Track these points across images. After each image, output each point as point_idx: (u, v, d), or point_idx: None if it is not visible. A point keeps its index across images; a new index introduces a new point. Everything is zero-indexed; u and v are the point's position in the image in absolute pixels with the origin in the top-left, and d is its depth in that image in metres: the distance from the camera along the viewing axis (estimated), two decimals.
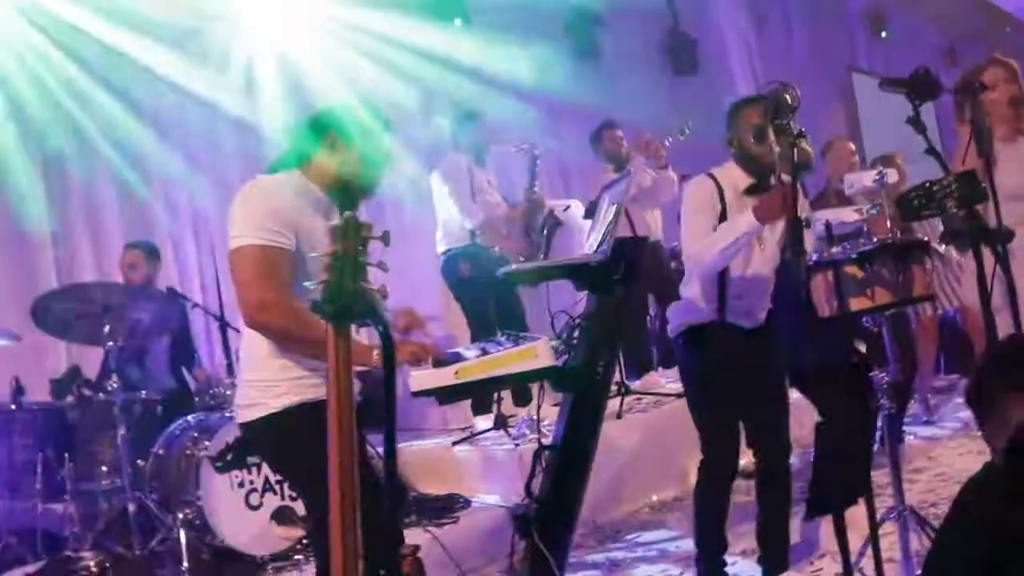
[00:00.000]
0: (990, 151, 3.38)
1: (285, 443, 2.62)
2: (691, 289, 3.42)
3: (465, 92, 7.39)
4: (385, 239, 2.11)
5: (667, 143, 5.90)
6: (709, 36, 9.79)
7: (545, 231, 5.83)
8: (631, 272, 2.96)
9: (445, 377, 2.54)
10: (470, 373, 2.56)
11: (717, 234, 3.14)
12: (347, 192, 2.68)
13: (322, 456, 2.57)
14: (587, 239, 3.36)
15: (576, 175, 8.19)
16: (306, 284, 2.02)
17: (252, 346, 2.60)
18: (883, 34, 11.74)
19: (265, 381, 2.56)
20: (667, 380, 6.04)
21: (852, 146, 5.16)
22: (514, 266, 3.07)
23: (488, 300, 5.52)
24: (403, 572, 2.11)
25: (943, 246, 4.70)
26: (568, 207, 6.21)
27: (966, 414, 6.17)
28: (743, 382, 3.32)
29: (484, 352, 2.69)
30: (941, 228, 4.61)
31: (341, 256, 2.00)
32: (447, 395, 2.61)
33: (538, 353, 2.60)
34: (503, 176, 6.30)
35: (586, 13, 8.55)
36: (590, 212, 6.07)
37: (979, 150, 3.34)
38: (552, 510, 2.91)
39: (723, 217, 3.24)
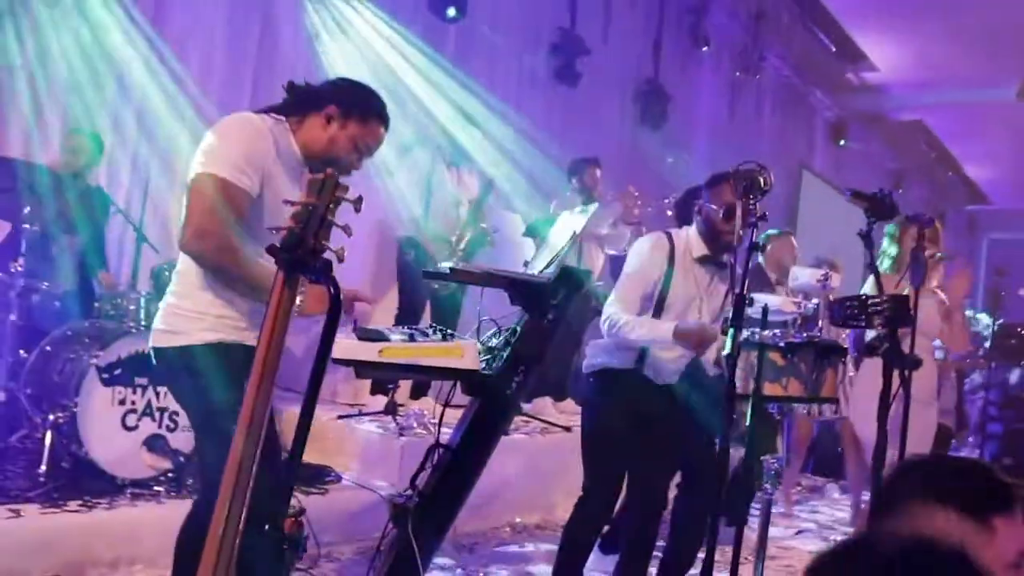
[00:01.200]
0: (922, 283, 3.57)
1: (196, 378, 2.59)
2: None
3: (444, 87, 7.46)
4: (357, 204, 2.13)
5: (649, 209, 6.00)
6: (684, 96, 10.01)
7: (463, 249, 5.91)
8: (567, 300, 3.01)
9: (369, 352, 2.56)
10: (394, 354, 2.57)
11: (640, 324, 3.29)
12: (322, 165, 2.67)
13: (228, 400, 2.57)
14: (532, 256, 3.44)
15: (523, 192, 8.26)
16: (269, 228, 2.01)
17: (188, 274, 2.58)
18: (841, 143, 12.18)
19: (192, 312, 2.54)
20: (560, 412, 6.14)
21: (795, 243, 5.36)
22: (462, 265, 3.08)
23: (421, 292, 5.55)
24: (285, 531, 2.11)
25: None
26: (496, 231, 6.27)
27: (823, 516, 6.45)
28: (640, 430, 3.40)
29: (411, 338, 2.71)
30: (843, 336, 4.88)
31: (311, 209, 2.01)
32: (365, 370, 2.62)
33: (464, 353, 2.63)
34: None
35: (574, 38, 8.66)
36: (529, 231, 6.18)
37: (913, 279, 3.52)
38: (432, 508, 2.93)
39: (666, 279, 3.36)
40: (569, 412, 6.32)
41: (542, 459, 5.41)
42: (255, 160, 2.48)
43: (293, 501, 2.62)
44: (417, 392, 5.63)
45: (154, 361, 2.67)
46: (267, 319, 2.06)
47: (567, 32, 8.64)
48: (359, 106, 2.67)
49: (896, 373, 3.17)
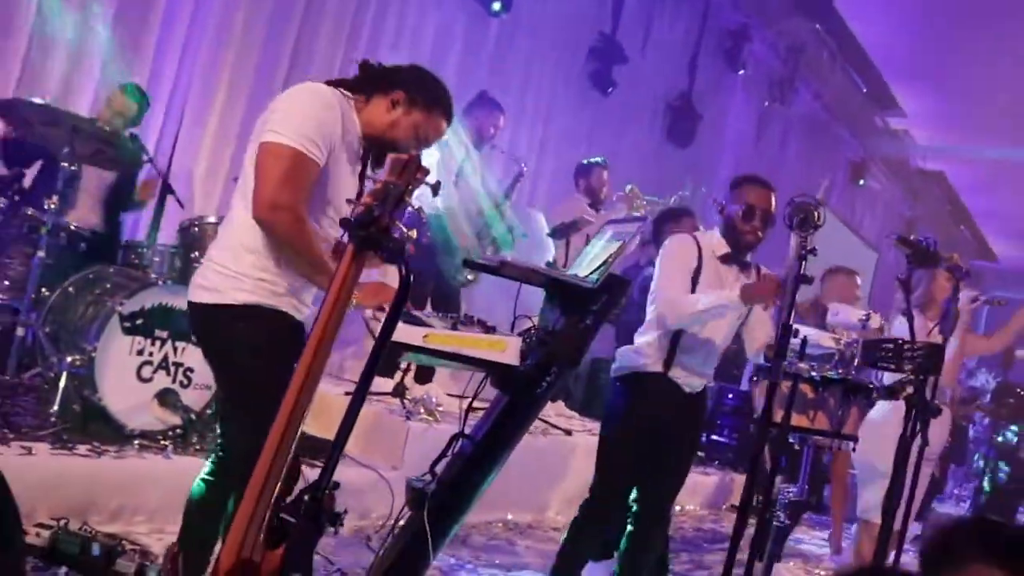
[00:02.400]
0: (949, 334, 3.60)
1: (227, 338, 2.60)
2: (644, 336, 3.55)
3: (478, 76, 7.48)
4: (436, 188, 2.15)
5: (657, 203, 6.02)
6: (714, 117, 10.04)
7: (494, 243, 5.92)
8: (607, 307, 3.03)
9: (414, 336, 2.56)
10: (438, 341, 2.58)
11: (699, 296, 3.29)
12: (379, 149, 2.68)
13: (256, 365, 2.59)
14: (574, 259, 3.46)
15: (546, 191, 8.29)
16: (348, 200, 2.02)
17: (235, 233, 2.58)
18: (860, 183, 12.24)
19: (233, 271, 2.54)
20: (557, 414, 6.16)
21: (859, 282, 5.35)
22: (509, 258, 3.10)
23: (427, 276, 5.57)
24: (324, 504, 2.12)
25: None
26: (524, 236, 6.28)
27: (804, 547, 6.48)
28: (663, 440, 3.44)
29: (454, 327, 2.72)
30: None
31: (391, 188, 2.02)
32: (407, 353, 2.63)
33: (507, 348, 2.64)
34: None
35: (614, 45, 8.67)
36: (558, 232, 6.20)
37: (942, 327, 3.55)
38: (449, 495, 2.94)
39: (695, 277, 3.40)
40: (566, 415, 6.35)
41: (540, 460, 5.43)
42: (325, 131, 2.49)
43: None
44: (422, 377, 5.61)
45: (190, 314, 2.67)
46: (330, 293, 2.08)
47: (607, 37, 8.66)
48: (426, 96, 2.68)
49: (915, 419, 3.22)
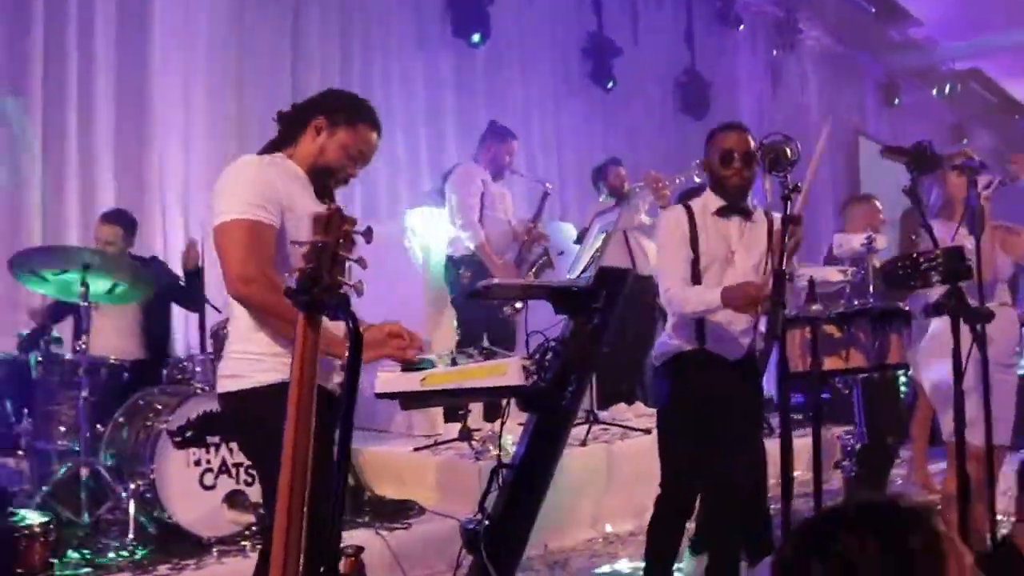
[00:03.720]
0: (981, 232, 3.39)
1: (260, 420, 2.58)
2: (671, 319, 3.45)
3: (475, 107, 7.50)
4: (367, 235, 2.10)
5: (678, 181, 5.88)
6: (723, 81, 9.86)
7: (535, 268, 5.86)
8: (611, 301, 2.94)
9: (411, 382, 2.53)
10: (436, 381, 2.54)
11: (691, 295, 3.23)
12: (320, 180, 2.68)
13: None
14: (571, 264, 3.38)
15: (572, 199, 8.22)
16: (285, 274, 2.00)
17: (241, 318, 2.59)
18: (896, 102, 11.83)
19: (251, 354, 2.55)
20: (637, 415, 6.03)
21: (879, 205, 5.07)
22: (496, 281, 3.05)
23: (481, 312, 5.54)
24: (342, 571, 2.08)
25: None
26: (561, 253, 6.22)
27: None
28: (716, 414, 3.29)
29: (454, 363, 2.68)
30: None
31: (321, 247, 1.99)
32: (410, 400, 2.60)
33: (507, 371, 2.58)
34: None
35: (605, 41, 8.61)
36: (579, 239, 6.11)
37: (970, 229, 3.35)
38: (502, 529, 2.88)
39: (693, 243, 3.30)
40: (645, 415, 6.21)
41: (624, 464, 5.31)
42: (266, 193, 2.49)
43: (358, 540, 2.61)
44: (491, 414, 5.58)
45: (220, 408, 2.68)
46: (294, 363, 2.05)
47: (596, 35, 8.60)
48: (345, 112, 2.67)
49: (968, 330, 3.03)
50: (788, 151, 2.65)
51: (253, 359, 2.54)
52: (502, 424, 2.97)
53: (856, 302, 2.81)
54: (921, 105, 12.51)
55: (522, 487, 2.92)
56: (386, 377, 2.50)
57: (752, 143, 3.25)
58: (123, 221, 5.10)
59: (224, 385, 2.61)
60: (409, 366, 2.61)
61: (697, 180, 6.07)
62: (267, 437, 2.58)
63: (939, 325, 3.57)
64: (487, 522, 2.92)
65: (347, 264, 2.04)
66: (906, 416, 5.55)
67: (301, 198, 2.56)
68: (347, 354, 2.31)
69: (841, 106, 11.33)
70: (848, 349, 2.79)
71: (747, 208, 3.35)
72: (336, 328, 2.33)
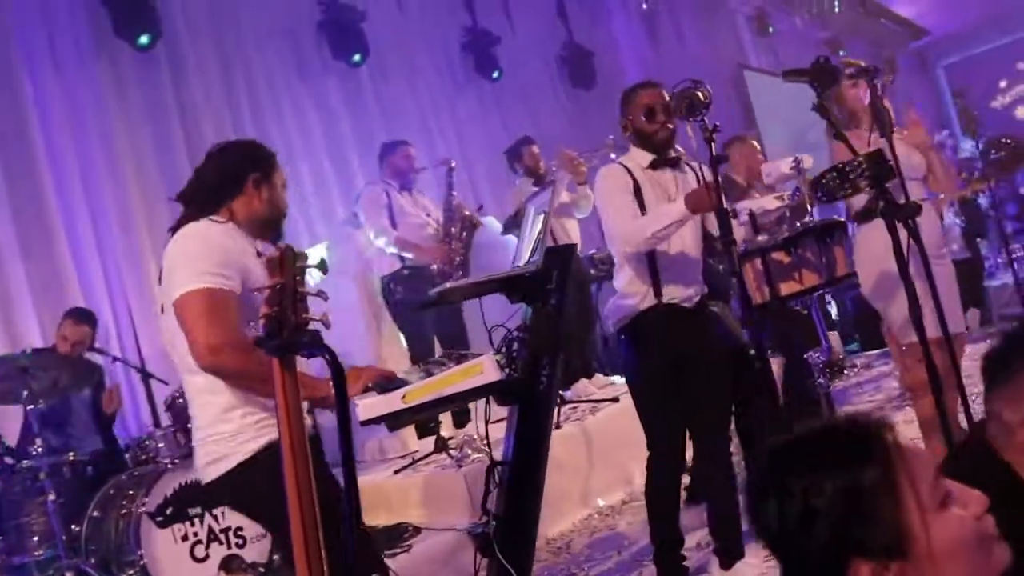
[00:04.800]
0: (891, 132, 3.50)
1: (257, 489, 2.53)
2: (622, 278, 3.45)
3: (371, 126, 7.46)
4: (322, 267, 2.09)
5: (595, 162, 5.91)
6: (604, 48, 9.96)
7: (464, 234, 5.86)
8: (563, 280, 2.96)
9: (393, 403, 2.51)
10: (418, 396, 2.52)
11: (648, 219, 3.22)
12: (272, 228, 2.68)
13: None
14: (515, 252, 3.37)
15: (487, 192, 8.23)
16: (251, 324, 1.96)
17: (206, 402, 2.52)
18: (770, 30, 12.11)
19: (228, 433, 2.48)
20: (599, 387, 6.08)
21: (757, 144, 5.24)
22: (448, 284, 3.03)
23: (426, 320, 5.53)
24: None
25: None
26: (481, 207, 6.26)
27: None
28: (685, 365, 3.34)
29: (428, 374, 2.66)
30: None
31: (280, 288, 1.96)
32: (396, 420, 2.57)
33: (483, 369, 2.58)
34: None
35: (482, 34, 8.63)
36: (508, 226, 6.13)
37: (881, 132, 3.45)
38: (511, 525, 2.88)
39: (638, 195, 3.33)
40: (606, 384, 6.26)
41: (602, 437, 5.35)
42: (222, 258, 2.45)
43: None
44: (459, 420, 5.56)
45: (216, 497, 2.62)
46: (280, 410, 2.01)
47: (472, 29, 8.62)
48: (265, 161, 2.68)
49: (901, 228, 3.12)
50: (701, 95, 2.70)
51: (232, 436, 2.48)
52: (486, 423, 2.96)
53: (798, 224, 2.86)
54: (794, 29, 12.82)
55: (520, 480, 2.92)
56: (368, 403, 2.48)
57: (667, 95, 3.29)
58: (92, 321, 5.05)
59: (210, 473, 2.53)
60: (385, 387, 2.59)
61: (613, 157, 6.13)
62: (269, 501, 2.53)
63: (865, 231, 3.66)
64: (493, 523, 2.92)
65: (307, 299, 2.02)
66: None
67: (252, 258, 2.51)
68: (331, 389, 2.31)
69: (720, 46, 11.54)
70: (800, 271, 2.85)
71: (676, 159, 3.40)
72: (304, 367, 2.32)
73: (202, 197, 2.62)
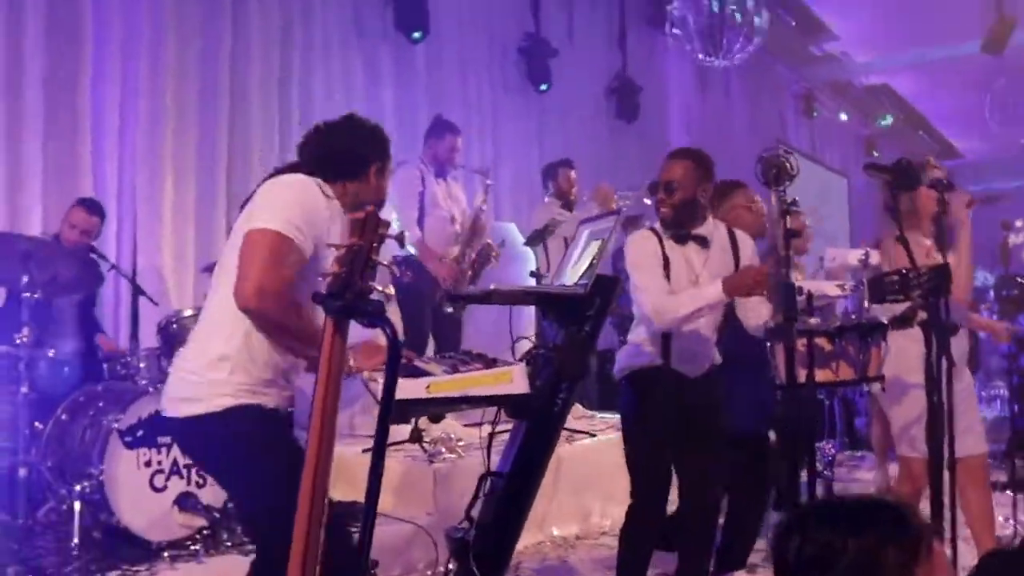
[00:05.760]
0: (947, 247, 3.50)
1: (211, 444, 2.49)
2: (638, 334, 3.46)
3: (415, 103, 7.40)
4: (400, 239, 2.04)
5: (625, 203, 5.87)
6: (653, 86, 9.97)
7: (477, 263, 5.79)
8: (603, 309, 2.94)
9: (416, 389, 2.46)
10: (443, 389, 2.48)
11: (682, 299, 3.22)
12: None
13: (263, 462, 2.47)
14: (543, 268, 3.35)
15: (507, 199, 8.20)
16: (319, 278, 1.92)
17: (208, 340, 2.48)
18: (814, 114, 12.20)
19: (210, 380, 2.43)
20: (576, 417, 6.04)
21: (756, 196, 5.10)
22: (493, 286, 2.99)
23: (424, 313, 5.45)
24: None
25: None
26: (503, 242, 6.16)
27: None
28: (681, 427, 3.31)
29: (454, 369, 2.62)
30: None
31: (356, 250, 1.91)
32: (414, 408, 2.53)
33: (514, 378, 2.55)
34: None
35: (541, 42, 8.62)
36: (532, 240, 6.09)
37: (939, 245, 3.45)
38: (491, 537, 2.85)
39: (665, 266, 3.32)
40: (584, 417, 6.23)
41: (570, 468, 5.31)
42: (310, 219, 2.41)
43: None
44: (437, 416, 5.50)
45: (171, 430, 2.56)
46: (321, 373, 1.96)
47: (533, 35, 8.60)
48: (387, 149, 2.70)
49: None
50: (788, 165, 2.67)
51: (213, 384, 2.42)
52: (491, 435, 2.91)
53: (852, 316, 2.85)
54: (835, 119, 12.93)
55: (512, 495, 2.89)
56: None
57: (677, 169, 3.27)
58: (101, 214, 4.97)
59: (176, 408, 2.48)
60: (409, 372, 2.55)
61: (647, 202, 6.09)
62: (234, 459, 2.49)
63: (898, 337, 3.66)
64: (474, 531, 2.88)
65: (378, 269, 1.97)
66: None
67: (332, 233, 2.48)
68: (385, 362, 2.26)
69: (763, 116, 11.60)
70: (838, 362, 2.84)
71: (702, 235, 3.37)
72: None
73: (323, 164, 2.58)
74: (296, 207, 2.39)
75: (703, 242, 3.38)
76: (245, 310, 2.34)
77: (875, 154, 12.65)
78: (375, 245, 1.93)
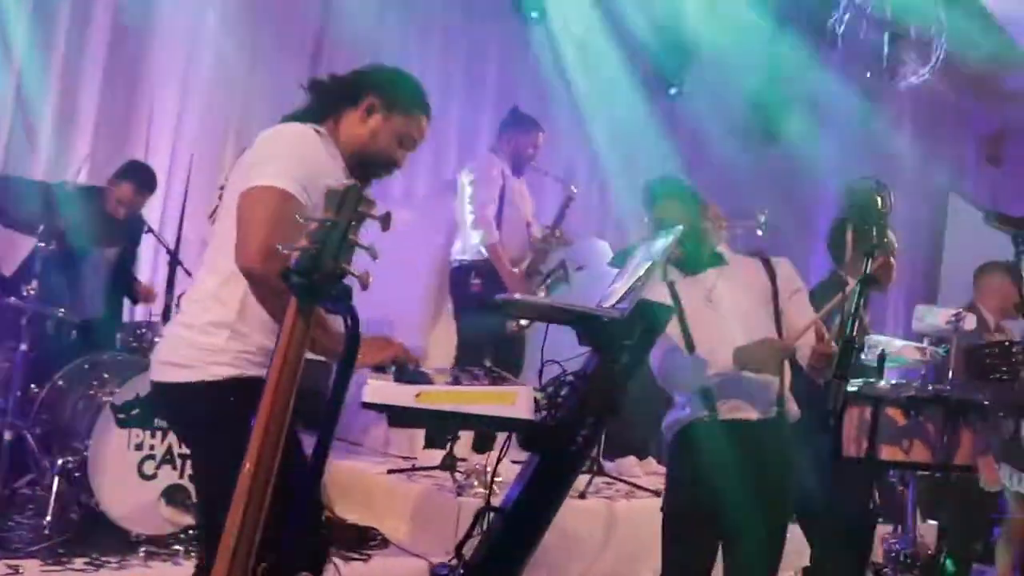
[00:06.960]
0: None
1: (199, 415, 2.58)
2: None
3: (516, 90, 7.49)
4: (385, 222, 2.08)
5: (739, 231, 5.79)
6: (806, 104, 9.79)
7: (549, 281, 5.80)
8: (646, 340, 2.91)
9: (404, 396, 2.50)
10: (432, 400, 2.51)
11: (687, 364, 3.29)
12: (364, 166, 2.71)
13: (247, 440, 2.55)
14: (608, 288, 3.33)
15: (616, 214, 8.18)
16: (280, 247, 1.97)
17: (206, 303, 2.57)
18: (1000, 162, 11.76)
19: (207, 346, 2.53)
20: (647, 472, 6.00)
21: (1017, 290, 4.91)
22: (517, 296, 3.02)
23: (486, 328, 5.50)
24: None
25: None
26: (580, 267, 6.16)
27: None
28: (729, 496, 3.25)
29: (456, 381, 2.65)
30: None
31: (330, 226, 1.97)
32: (399, 417, 2.57)
33: (517, 400, 2.56)
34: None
35: (681, 46, 8.58)
36: (616, 260, 6.07)
37: None
38: None
39: (675, 301, 3.38)
40: (655, 473, 6.16)
41: (623, 527, 5.27)
42: (309, 172, 2.49)
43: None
44: (482, 445, 5.53)
45: (157, 396, 2.66)
46: (277, 355, 2.02)
47: (674, 38, 8.56)
48: (403, 95, 2.71)
49: None
50: (880, 200, 2.62)
51: (209, 351, 2.52)
52: (498, 461, 2.94)
53: (931, 387, 2.76)
54: None
55: (510, 537, 2.89)
56: (378, 385, 2.48)
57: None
58: (152, 186, 5.27)
59: (165, 373, 2.59)
60: (403, 376, 2.59)
61: (760, 234, 5.97)
62: (219, 432, 2.57)
63: None
64: (461, 570, 2.90)
65: (354, 251, 2.02)
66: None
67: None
68: (392, 359, 2.33)
69: (935, 156, 11.24)
70: (912, 439, 2.75)
71: (718, 256, 3.46)
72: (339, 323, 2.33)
73: (321, 95, 2.69)
74: (298, 161, 2.47)
75: (720, 260, 3.45)
76: (248, 273, 2.42)
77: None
78: (353, 223, 1.98)
